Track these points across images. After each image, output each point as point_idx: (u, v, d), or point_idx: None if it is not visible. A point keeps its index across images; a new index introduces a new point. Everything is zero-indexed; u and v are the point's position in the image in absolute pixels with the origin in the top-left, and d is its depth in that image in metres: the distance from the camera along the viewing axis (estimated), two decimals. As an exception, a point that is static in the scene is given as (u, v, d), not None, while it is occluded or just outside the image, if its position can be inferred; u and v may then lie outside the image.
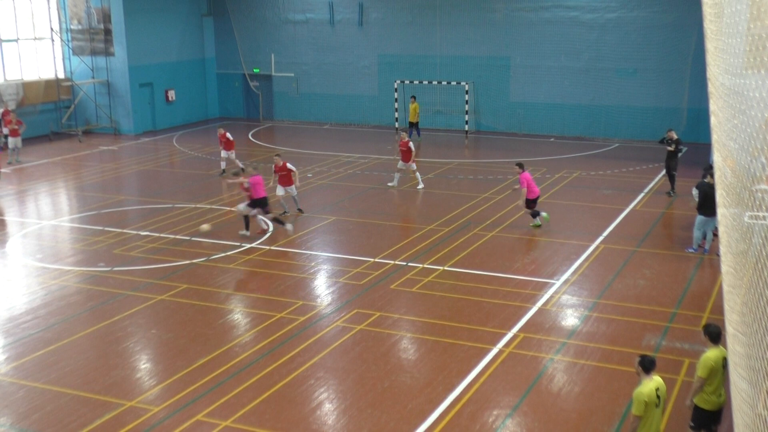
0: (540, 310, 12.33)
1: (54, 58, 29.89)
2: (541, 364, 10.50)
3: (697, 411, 7.96)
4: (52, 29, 29.72)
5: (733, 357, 5.32)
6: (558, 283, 13.49)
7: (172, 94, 31.79)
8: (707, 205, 14.21)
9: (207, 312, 12.46)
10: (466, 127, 29.46)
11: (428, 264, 14.50)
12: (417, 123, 28.01)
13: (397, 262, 14.61)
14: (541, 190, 20.19)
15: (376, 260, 14.76)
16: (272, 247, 15.73)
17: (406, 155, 20.41)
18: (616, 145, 26.90)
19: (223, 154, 22.35)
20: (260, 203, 16.19)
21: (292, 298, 12.97)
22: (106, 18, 29.53)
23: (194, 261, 14.90)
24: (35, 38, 29.52)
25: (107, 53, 29.83)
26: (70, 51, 30.14)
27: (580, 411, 9.33)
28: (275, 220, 16.53)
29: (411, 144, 20.58)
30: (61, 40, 30.05)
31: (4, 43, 28.26)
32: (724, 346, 7.02)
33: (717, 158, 5.68)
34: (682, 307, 12.43)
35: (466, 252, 15.27)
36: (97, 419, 9.19)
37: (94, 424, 9.09)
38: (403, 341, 11.40)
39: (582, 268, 14.27)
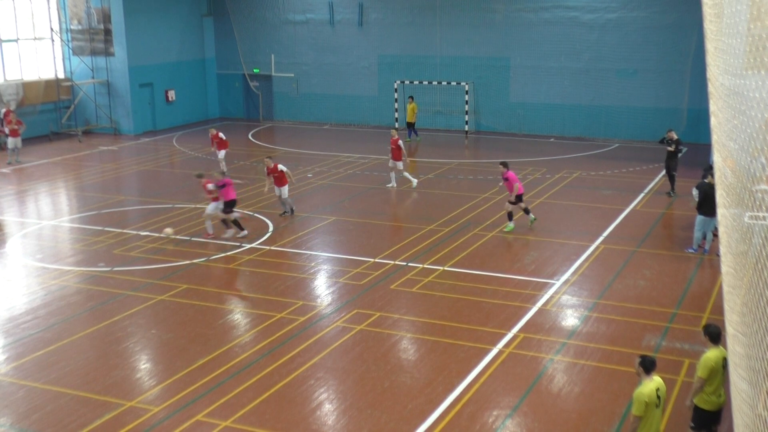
0: (540, 311, 12.33)
1: (54, 58, 29.89)
2: (541, 365, 10.50)
3: (697, 411, 7.96)
4: (52, 29, 29.72)
5: (733, 357, 5.32)
6: (558, 284, 13.49)
7: (172, 95, 31.79)
8: (707, 205, 14.21)
9: (207, 312, 12.46)
10: (466, 128, 29.46)
11: (428, 264, 14.50)
12: (414, 123, 28.03)
13: (397, 263, 14.61)
14: (541, 191, 20.24)
15: (376, 260, 14.76)
16: (272, 248, 15.73)
17: (396, 153, 20.40)
18: (616, 145, 26.91)
19: (219, 155, 22.19)
20: (231, 205, 16.04)
21: (292, 299, 12.97)
22: (106, 18, 29.53)
23: (194, 261, 14.90)
24: (35, 38, 29.52)
25: (107, 53, 29.83)
26: (70, 51, 30.14)
27: (580, 411, 9.33)
28: (234, 222, 16.22)
29: (401, 142, 20.51)
30: (61, 40, 30.05)
31: (4, 43, 28.25)
32: (724, 347, 7.02)
33: (717, 159, 5.68)
34: (682, 308, 12.43)
35: (466, 252, 15.27)
36: (97, 419, 9.19)
37: (94, 424, 9.09)
38: (403, 341, 11.40)
39: (582, 269, 14.27)
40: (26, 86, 28.60)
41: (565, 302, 12.73)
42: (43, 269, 14.63)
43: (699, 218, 14.80)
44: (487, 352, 10.85)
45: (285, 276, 14.11)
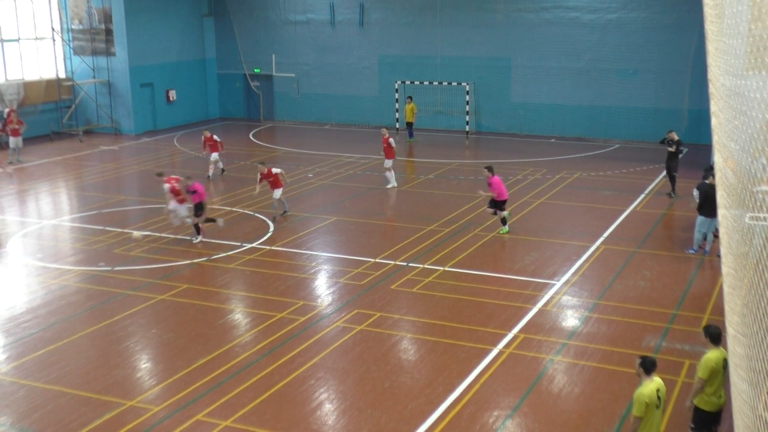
0: (540, 311, 12.33)
1: (55, 57, 29.90)
2: (542, 365, 10.50)
3: (698, 412, 7.96)
4: (53, 29, 29.74)
5: (734, 358, 5.32)
6: (558, 284, 13.49)
7: (172, 94, 31.80)
8: (708, 206, 14.21)
9: (207, 312, 12.46)
10: (467, 128, 29.46)
11: (429, 264, 14.50)
12: (413, 123, 28.04)
13: (397, 263, 14.61)
14: (541, 191, 20.24)
15: (377, 260, 14.76)
16: (273, 248, 15.74)
17: (389, 152, 20.38)
18: (617, 146, 26.90)
19: (213, 157, 21.86)
20: (200, 208, 15.89)
21: (292, 298, 12.98)
22: (107, 18, 29.55)
23: (195, 261, 14.90)
24: (36, 38, 29.53)
25: (108, 53, 29.85)
26: (71, 51, 30.15)
27: (581, 412, 9.33)
28: (195, 226, 16.14)
29: (392, 140, 20.48)
30: (63, 40, 30.06)
31: (5, 43, 28.27)
32: (725, 348, 7.02)
33: (718, 159, 5.68)
34: (683, 309, 12.43)
35: (467, 253, 15.27)
36: (98, 419, 9.19)
37: (94, 423, 9.10)
38: (403, 342, 11.40)
39: (582, 269, 14.27)
40: (27, 86, 28.61)
41: (565, 303, 12.73)
42: (44, 269, 14.64)
43: (699, 219, 14.80)
44: (487, 352, 10.85)
45: (285, 276, 14.11)
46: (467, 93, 29.29)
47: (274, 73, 32.92)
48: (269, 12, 32.42)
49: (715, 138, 5.63)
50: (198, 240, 15.94)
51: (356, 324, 11.86)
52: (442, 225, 17.08)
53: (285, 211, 17.93)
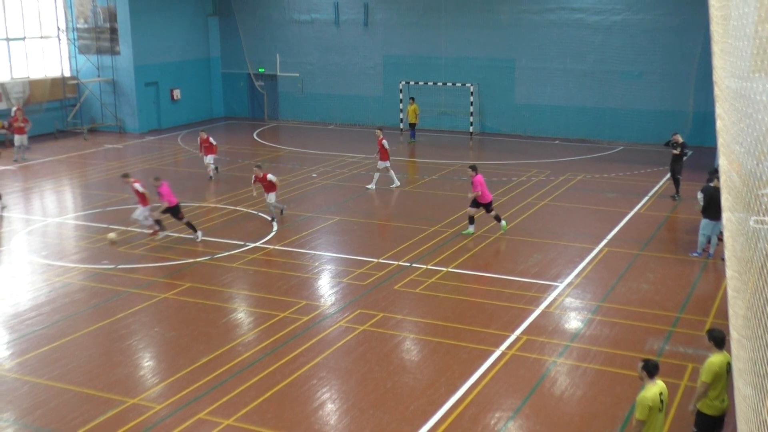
0: (543, 313, 12.31)
1: (60, 56, 29.97)
2: (544, 367, 10.48)
3: (701, 416, 7.94)
4: (58, 28, 29.81)
5: (738, 362, 5.30)
6: (561, 286, 13.47)
7: (177, 93, 31.84)
8: (712, 208, 14.18)
9: (210, 311, 12.47)
10: (471, 129, 29.44)
11: (432, 265, 14.49)
12: (415, 124, 28.03)
13: (400, 263, 14.60)
14: (545, 193, 20.21)
15: (380, 261, 14.75)
16: (276, 247, 15.74)
17: (383, 153, 20.36)
18: (621, 148, 26.86)
19: (206, 159, 21.68)
20: (173, 210, 15.77)
21: (295, 298, 12.98)
22: (112, 17, 29.60)
23: (198, 259, 14.92)
24: (42, 37, 29.60)
25: (113, 52, 29.90)
26: (76, 49, 30.21)
27: (583, 414, 9.31)
28: (157, 221, 16.05)
29: (385, 142, 20.45)
30: (68, 38, 30.12)
31: (11, 42, 28.34)
32: (729, 351, 7.00)
33: (723, 162, 5.66)
34: (686, 312, 12.40)
35: (470, 254, 15.25)
36: (100, 416, 9.20)
37: (96, 420, 9.11)
38: (406, 342, 11.39)
39: (585, 271, 14.24)
40: (32, 84, 28.68)
41: (568, 305, 12.71)
42: (48, 266, 14.67)
43: (704, 222, 14.76)
44: (489, 353, 10.84)
45: (288, 275, 14.11)
46: (471, 94, 29.27)
47: (278, 73, 32.94)
48: (274, 11, 32.44)
49: (720, 140, 5.61)
50: (161, 234, 15.99)
51: (359, 324, 11.86)
52: (446, 226, 17.06)
53: (282, 210, 17.81)
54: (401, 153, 26.27)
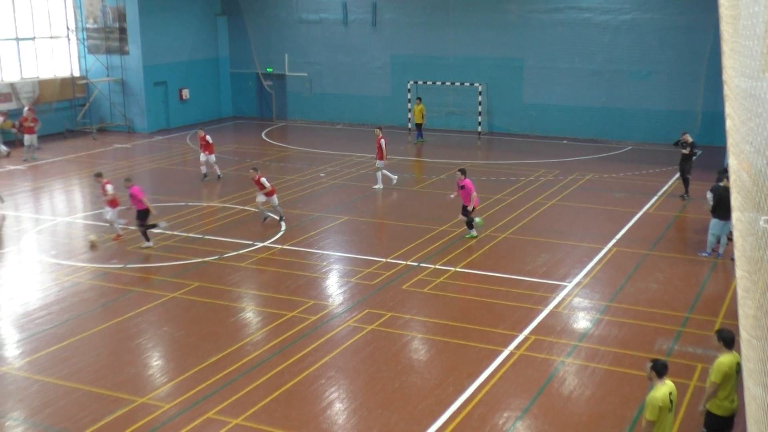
0: (551, 313, 12.29)
1: (70, 56, 30.11)
2: (552, 367, 10.46)
3: (710, 416, 7.91)
4: (68, 28, 29.95)
5: (747, 363, 5.28)
6: (570, 286, 13.44)
7: (185, 93, 31.94)
8: (722, 208, 14.12)
9: (219, 310, 12.51)
10: (479, 129, 29.41)
11: (440, 265, 14.48)
12: (422, 124, 28.01)
13: (409, 263, 14.60)
14: (553, 193, 20.17)
15: (388, 260, 14.76)
16: (284, 246, 15.77)
17: (380, 152, 20.34)
18: (630, 147, 26.76)
19: (203, 158, 21.47)
20: (143, 215, 15.48)
21: (303, 297, 13.00)
22: (121, 17, 29.73)
23: (206, 259, 14.96)
24: (51, 37, 29.75)
25: (122, 52, 30.02)
26: (86, 49, 30.35)
27: (591, 414, 9.29)
28: (151, 225, 15.81)
29: (382, 142, 20.43)
30: (77, 38, 30.26)
31: (21, 42, 28.50)
32: (738, 352, 6.97)
33: (732, 161, 5.64)
34: (695, 312, 12.35)
35: (478, 253, 15.24)
36: (109, 415, 9.25)
37: (105, 419, 9.15)
38: (414, 342, 11.40)
39: (594, 271, 14.20)
40: (42, 84, 28.83)
41: (576, 305, 12.68)
42: (57, 265, 14.75)
43: (713, 221, 14.70)
44: (498, 353, 10.83)
45: (297, 275, 14.14)
46: (479, 93, 29.23)
47: (286, 73, 33.00)
48: (282, 11, 32.49)
49: (730, 140, 5.59)
50: (145, 245, 15.57)
51: (367, 324, 11.87)
52: (454, 225, 17.04)
53: (265, 218, 17.31)
54: (409, 153, 26.27)
